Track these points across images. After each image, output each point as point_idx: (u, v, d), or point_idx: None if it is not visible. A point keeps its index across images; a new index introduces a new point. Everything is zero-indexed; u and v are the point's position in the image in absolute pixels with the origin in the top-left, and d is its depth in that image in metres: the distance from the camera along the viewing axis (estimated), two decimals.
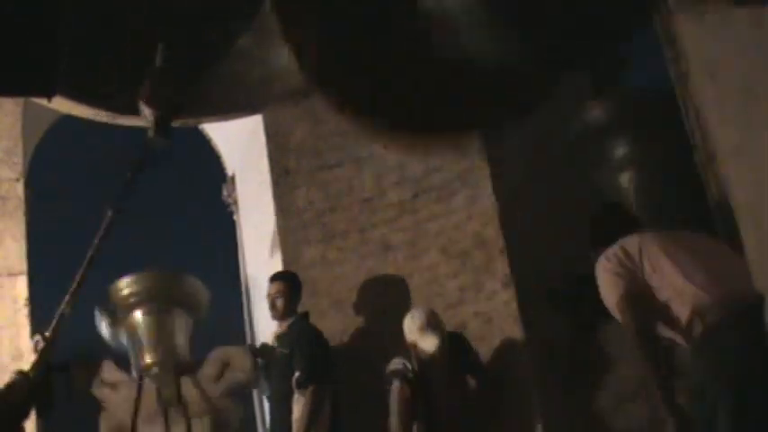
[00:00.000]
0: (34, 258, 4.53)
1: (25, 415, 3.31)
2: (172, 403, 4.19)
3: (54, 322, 3.17)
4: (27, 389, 3.36)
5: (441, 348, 4.04)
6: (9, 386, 3.34)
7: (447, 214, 4.78)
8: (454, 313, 4.54)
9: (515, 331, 4.41)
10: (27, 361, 3.55)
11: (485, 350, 4.46)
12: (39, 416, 3.78)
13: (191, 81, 2.71)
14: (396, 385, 4.01)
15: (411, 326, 4.13)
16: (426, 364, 4.06)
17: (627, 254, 2.93)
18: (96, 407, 4.33)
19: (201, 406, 4.22)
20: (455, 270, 4.67)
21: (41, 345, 3.37)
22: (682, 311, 2.78)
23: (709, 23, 1.62)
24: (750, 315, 2.55)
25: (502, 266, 4.52)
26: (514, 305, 4.44)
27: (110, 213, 2.66)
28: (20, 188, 4.62)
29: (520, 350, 4.37)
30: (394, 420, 3.96)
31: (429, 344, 4.05)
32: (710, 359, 2.66)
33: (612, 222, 3.27)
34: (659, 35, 2.85)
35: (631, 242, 2.97)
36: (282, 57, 3.61)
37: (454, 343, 4.21)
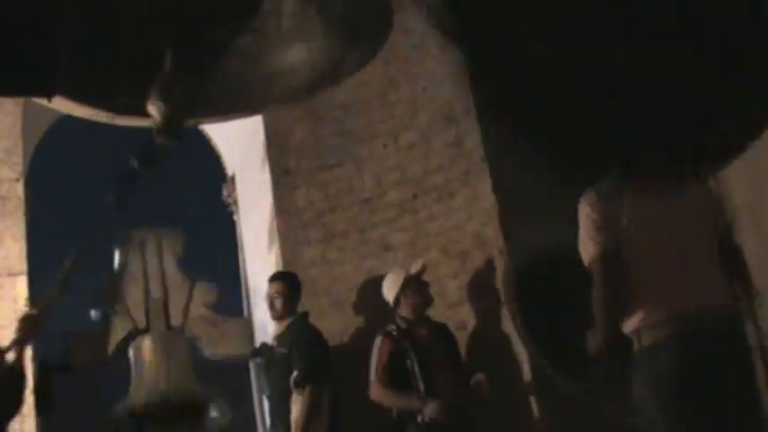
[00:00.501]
0: (34, 258, 4.52)
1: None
2: None
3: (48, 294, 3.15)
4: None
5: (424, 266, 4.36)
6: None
7: (447, 214, 4.78)
8: (454, 313, 4.54)
9: (515, 331, 4.40)
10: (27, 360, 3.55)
11: (485, 349, 4.46)
12: (39, 416, 3.79)
13: (200, 83, 2.73)
14: (379, 339, 4.20)
15: (392, 280, 4.35)
16: (412, 323, 4.24)
17: (608, 215, 2.67)
18: (95, 408, 4.33)
19: None
20: (455, 270, 4.67)
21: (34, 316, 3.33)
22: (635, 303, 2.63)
23: None
24: (690, 337, 2.50)
25: (502, 266, 4.51)
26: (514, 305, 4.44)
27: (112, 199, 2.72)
28: (20, 188, 4.62)
29: (520, 350, 4.37)
30: (373, 377, 4.14)
31: (416, 265, 4.36)
32: (646, 378, 2.55)
33: None
34: None
35: (613, 204, 2.68)
36: (283, 57, 3.61)
37: (441, 332, 4.27)
